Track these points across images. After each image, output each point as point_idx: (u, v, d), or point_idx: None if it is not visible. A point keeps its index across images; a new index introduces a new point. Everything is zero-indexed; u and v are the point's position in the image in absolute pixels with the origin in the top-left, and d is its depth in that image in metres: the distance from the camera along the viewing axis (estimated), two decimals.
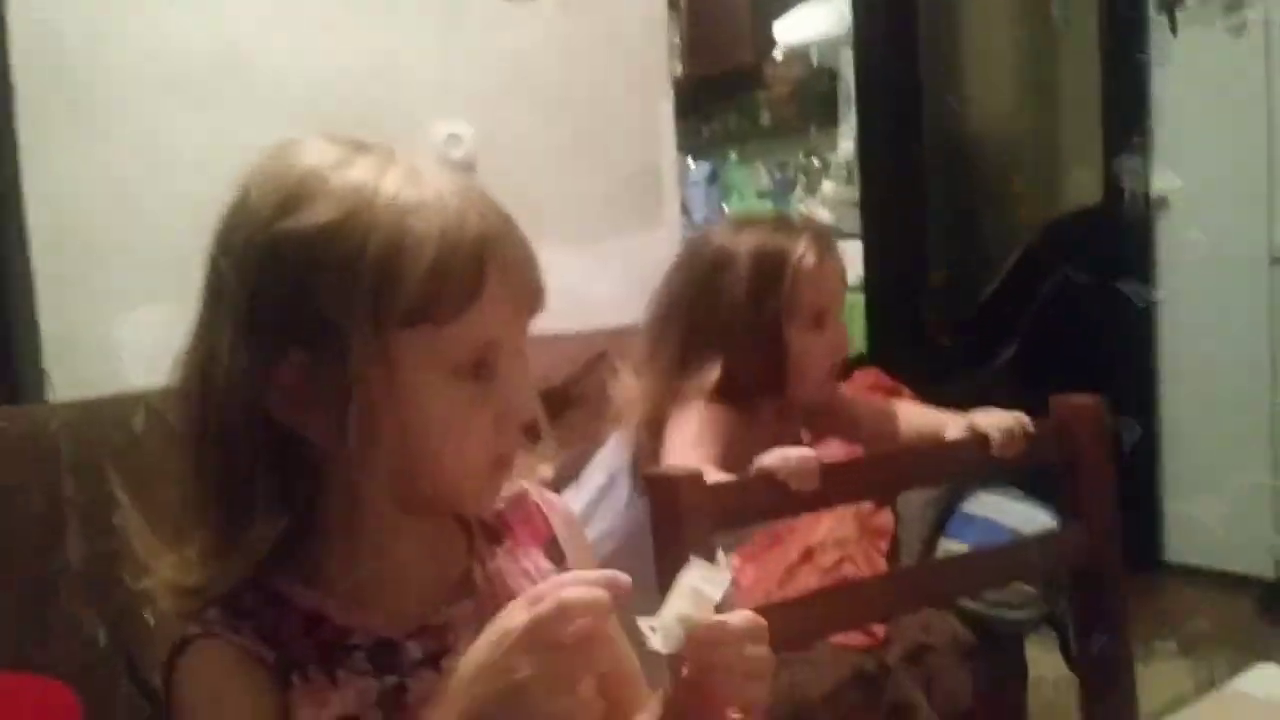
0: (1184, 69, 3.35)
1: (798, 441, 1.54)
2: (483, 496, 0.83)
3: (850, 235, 3.44)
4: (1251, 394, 3.28)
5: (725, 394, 1.47)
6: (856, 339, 3.26)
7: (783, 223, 1.59)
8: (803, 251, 1.49)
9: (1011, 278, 3.38)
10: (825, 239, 1.55)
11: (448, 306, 0.74)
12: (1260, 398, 3.26)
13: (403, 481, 0.77)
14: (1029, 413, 1.41)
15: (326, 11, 2.21)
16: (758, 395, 1.51)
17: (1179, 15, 3.35)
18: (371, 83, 2.23)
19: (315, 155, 0.77)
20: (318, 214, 0.73)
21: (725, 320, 1.48)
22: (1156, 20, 3.39)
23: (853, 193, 3.76)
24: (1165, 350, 3.47)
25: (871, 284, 3.39)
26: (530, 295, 0.80)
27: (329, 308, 0.73)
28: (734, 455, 1.39)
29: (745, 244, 1.50)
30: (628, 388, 1.55)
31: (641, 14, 2.63)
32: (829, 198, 4.17)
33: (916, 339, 3.35)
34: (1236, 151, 3.26)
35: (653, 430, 1.49)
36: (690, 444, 1.41)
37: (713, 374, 1.46)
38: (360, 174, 0.75)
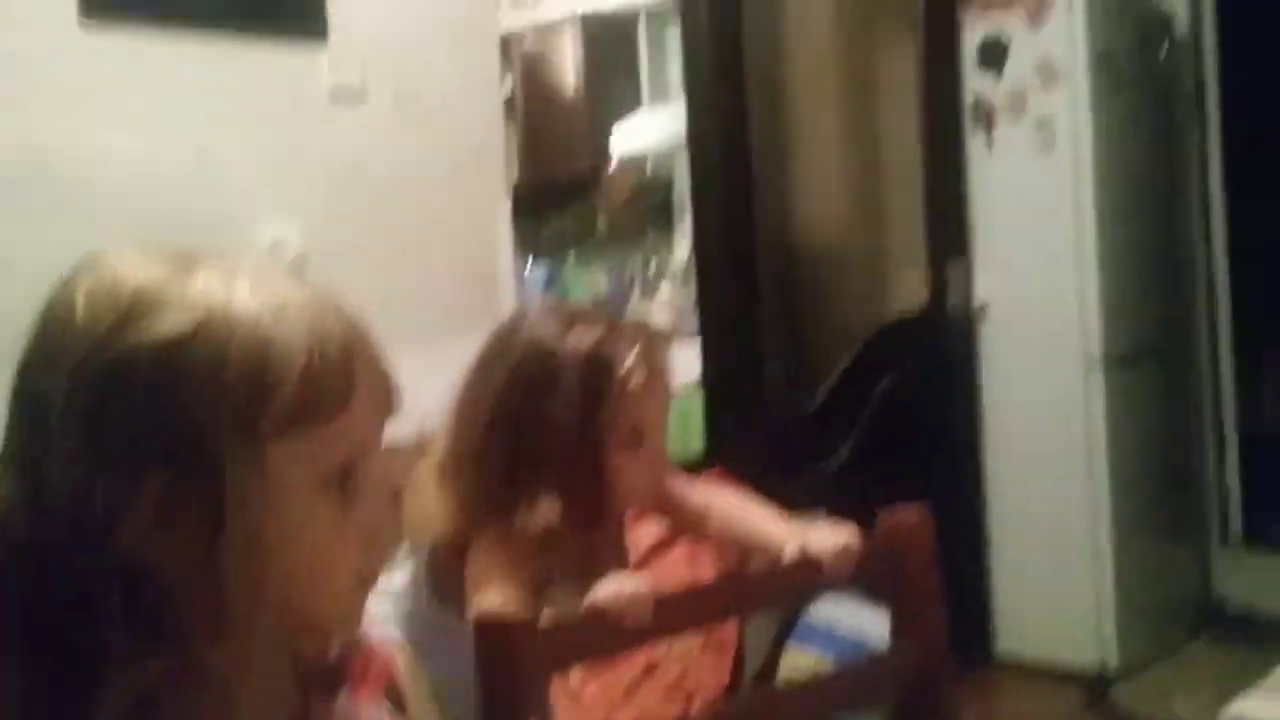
0: (1000, 180, 3.52)
1: (623, 559, 1.46)
2: (350, 619, 0.78)
3: (688, 336, 3.47)
4: (1072, 491, 3.40)
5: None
6: (695, 437, 3.27)
7: (613, 326, 1.41)
8: (633, 363, 1.35)
9: (845, 379, 3.44)
10: (656, 347, 1.42)
11: (322, 411, 0.70)
12: (1081, 495, 3.39)
13: (274, 606, 0.71)
14: (865, 514, 1.40)
15: (142, 108, 2.13)
16: (580, 519, 1.37)
17: (994, 130, 3.53)
18: (191, 184, 2.14)
19: (146, 266, 0.71)
20: (168, 325, 0.67)
21: (553, 441, 1.33)
22: (974, 133, 3.56)
23: (690, 295, 3.80)
24: (991, 448, 3.57)
25: (709, 383, 3.41)
26: (390, 396, 0.77)
27: (193, 423, 0.67)
28: (549, 579, 1.31)
29: (573, 348, 1.34)
30: (428, 500, 1.37)
31: (478, 118, 2.62)
32: (667, 300, 4.21)
33: (754, 438, 3.37)
34: (1050, 260, 3.43)
35: (454, 551, 1.36)
36: (503, 576, 1.30)
37: (549, 511, 1.33)
38: (205, 281, 0.70)
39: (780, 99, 3.36)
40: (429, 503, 1.36)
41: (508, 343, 1.39)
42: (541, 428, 1.33)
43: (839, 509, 1.59)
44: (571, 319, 1.39)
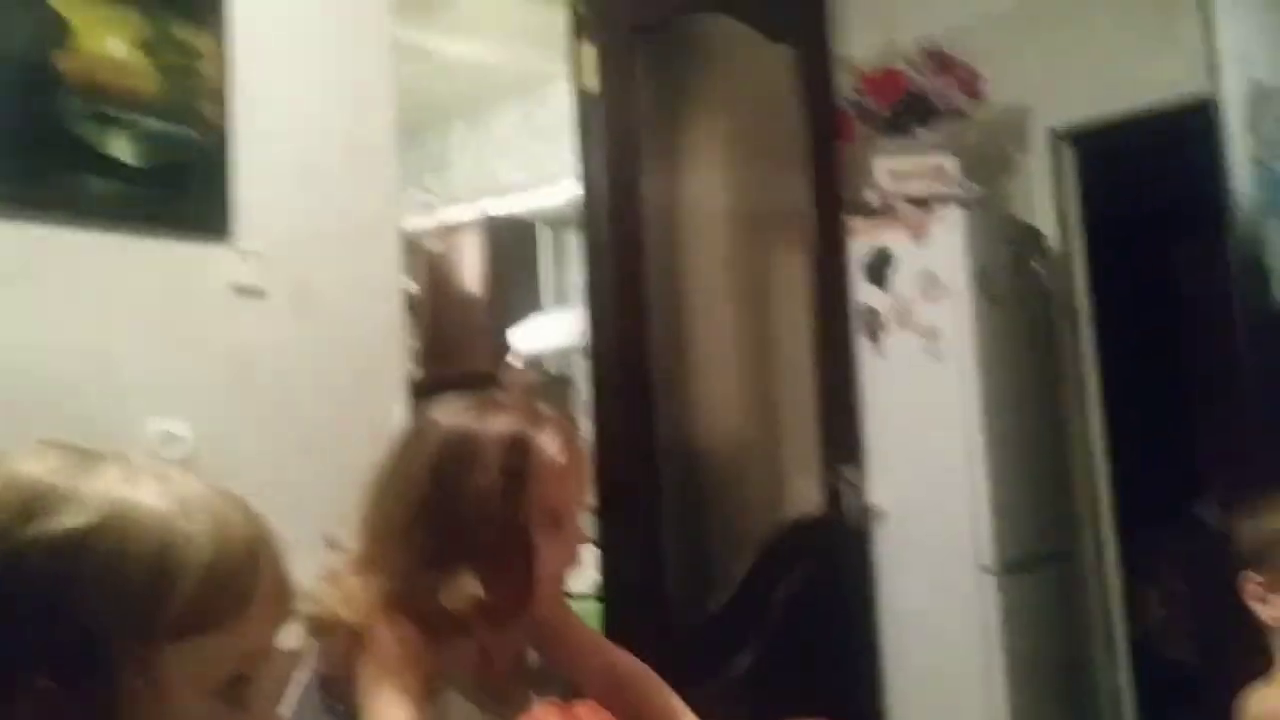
0: (891, 388, 3.62)
1: (520, 658, 1.43)
2: None
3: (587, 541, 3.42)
4: (969, 698, 3.37)
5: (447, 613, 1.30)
6: None
7: (531, 409, 1.41)
8: (553, 444, 1.35)
9: (745, 586, 3.40)
10: (574, 432, 1.42)
11: (221, 615, 0.68)
12: (976, 701, 3.36)
13: None
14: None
15: (25, 300, 2.07)
16: (506, 598, 1.33)
17: (883, 339, 3.65)
18: (78, 376, 2.08)
19: (46, 462, 0.69)
20: (69, 519, 0.65)
21: (476, 521, 1.31)
22: (864, 342, 3.67)
23: (589, 498, 3.77)
24: (889, 655, 3.55)
25: (610, 590, 3.34)
26: (288, 600, 0.75)
27: (86, 624, 0.63)
28: (443, 682, 1.27)
29: (494, 430, 1.34)
30: (350, 590, 1.32)
31: (377, 317, 2.62)
32: None
33: (655, 647, 3.29)
34: (941, 466, 3.50)
35: (350, 643, 1.30)
36: (400, 673, 1.24)
37: (473, 588, 1.28)
38: (108, 478, 0.68)
39: (679, 305, 3.43)
40: (351, 592, 1.31)
41: (423, 433, 1.40)
42: (464, 508, 1.32)
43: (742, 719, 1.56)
44: (488, 405, 1.40)
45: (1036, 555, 3.63)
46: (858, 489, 3.58)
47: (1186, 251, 4.80)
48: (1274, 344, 3.89)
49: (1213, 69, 2.91)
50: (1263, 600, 1.55)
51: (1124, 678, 4.01)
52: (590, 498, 1.45)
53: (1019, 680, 3.42)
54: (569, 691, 1.54)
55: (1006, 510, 3.48)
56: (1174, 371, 4.68)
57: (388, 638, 1.27)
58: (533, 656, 1.52)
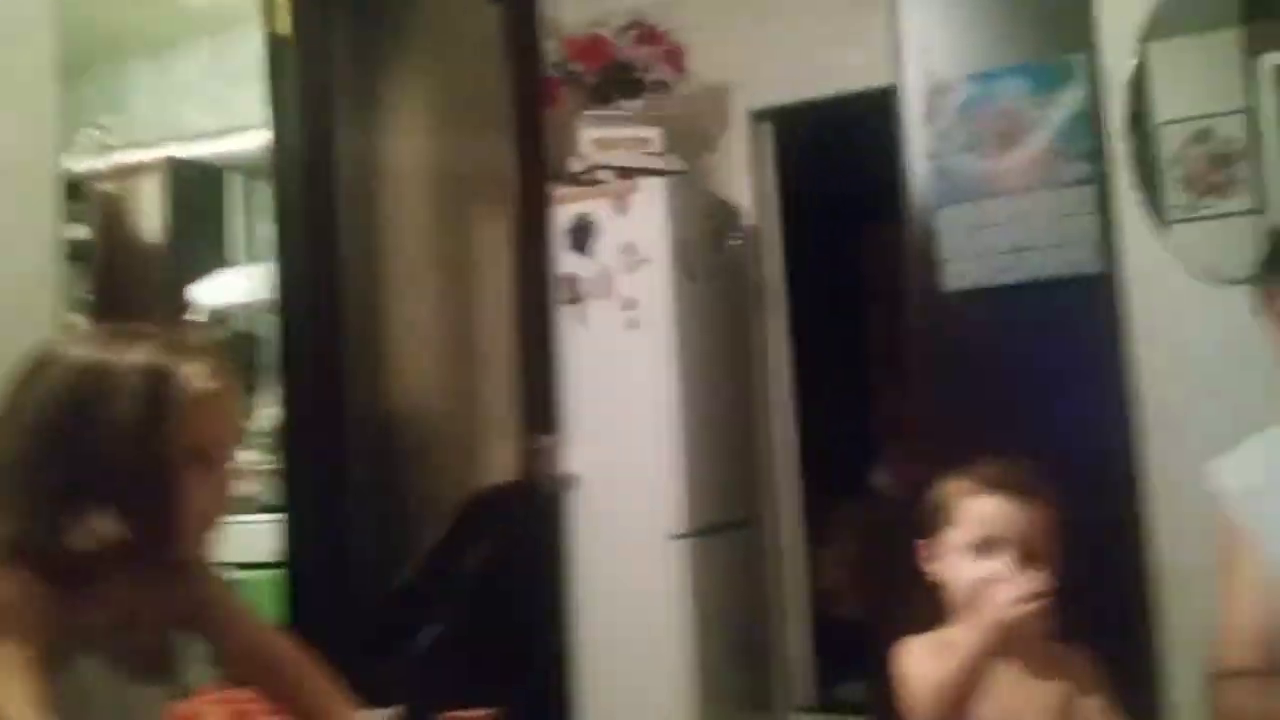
0: (590, 356, 3.63)
1: (171, 619, 1.31)
2: None
3: (274, 508, 3.25)
4: (656, 664, 3.45)
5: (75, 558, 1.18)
6: (274, 618, 3.03)
7: (173, 339, 1.31)
8: (199, 375, 1.25)
9: (436, 554, 3.33)
10: (220, 360, 1.31)
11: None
12: (662, 668, 3.44)
13: None
14: (453, 698, 1.32)
15: None
16: (148, 540, 1.22)
17: (584, 307, 3.65)
18: None
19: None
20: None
21: (110, 456, 1.20)
22: (565, 310, 3.67)
23: (275, 463, 3.59)
24: (580, 619, 3.57)
25: (293, 559, 3.19)
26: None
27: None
28: (80, 640, 1.17)
29: (130, 360, 1.23)
30: None
31: (27, 264, 2.37)
32: (250, 467, 3.95)
33: (342, 615, 3.18)
34: (636, 435, 3.55)
35: None
36: (22, 626, 1.13)
37: (107, 528, 1.18)
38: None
39: (375, 266, 3.31)
40: None
41: (48, 364, 1.26)
42: (96, 443, 1.20)
43: (427, 693, 1.51)
44: (123, 334, 1.29)
45: (725, 522, 3.75)
46: (554, 457, 3.58)
47: (872, 235, 5.08)
48: (942, 327, 4.18)
49: (895, 60, 3.05)
50: (930, 561, 1.63)
51: (804, 637, 4.23)
52: (246, 436, 1.32)
53: (705, 643, 3.53)
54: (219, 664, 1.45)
55: (697, 478, 3.57)
56: (859, 348, 4.94)
57: (4, 590, 1.15)
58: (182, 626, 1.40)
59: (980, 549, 1.55)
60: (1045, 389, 3.91)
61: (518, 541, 3.36)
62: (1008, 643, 1.50)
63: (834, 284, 4.92)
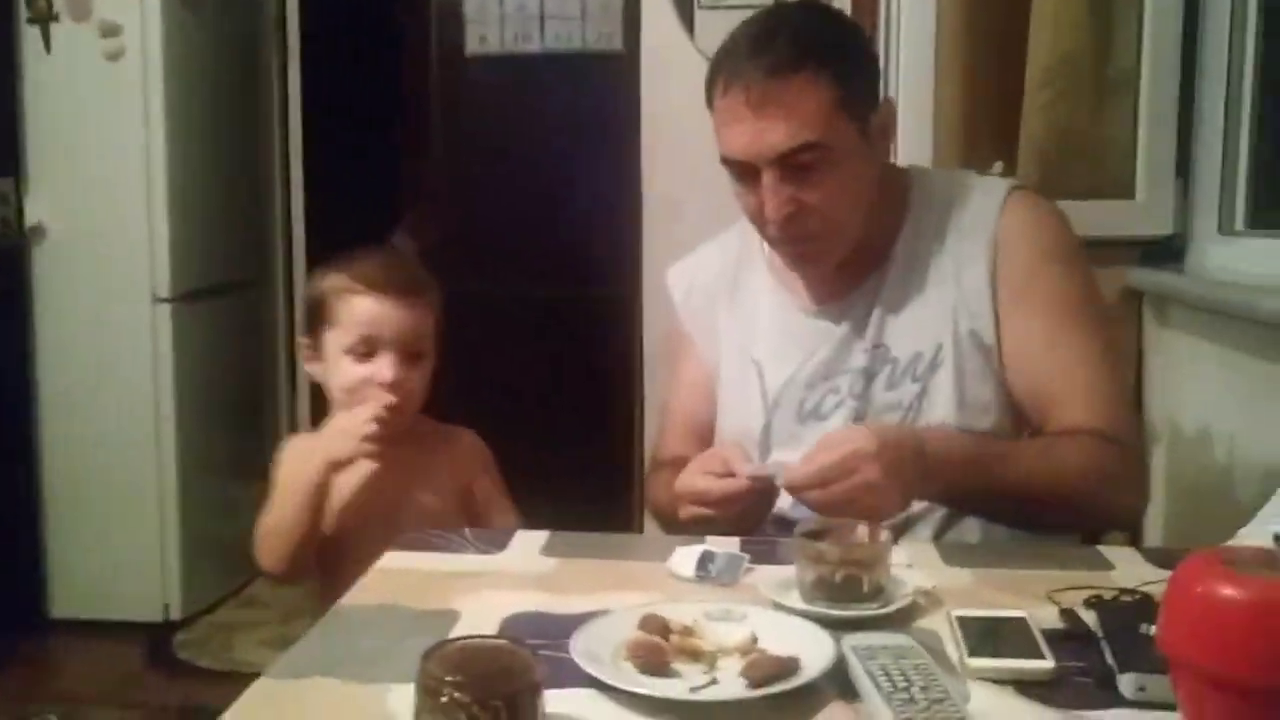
0: (61, 91, 3.13)
1: None
2: None
3: None
4: (136, 435, 3.18)
5: None
6: None
7: None
8: None
9: None
10: None
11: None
12: (145, 439, 3.18)
13: None
14: None
15: None
16: None
17: (54, 31, 3.12)
18: None
19: None
20: None
21: None
22: (30, 34, 3.12)
23: None
24: (45, 391, 3.20)
25: None
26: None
27: None
28: None
29: None
30: None
31: None
32: None
33: None
34: (116, 184, 3.14)
35: None
36: None
37: None
38: None
39: None
40: None
41: None
42: None
43: None
44: None
45: (219, 284, 3.47)
46: (14, 204, 3.10)
47: None
48: (460, 89, 4.04)
49: None
50: (311, 361, 1.53)
51: (303, 405, 4.08)
52: None
53: (195, 411, 3.29)
54: None
55: (187, 237, 3.25)
56: (377, 106, 4.68)
57: None
58: None
59: (359, 351, 1.48)
60: (559, 162, 3.93)
61: None
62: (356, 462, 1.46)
63: (357, 35, 4.58)
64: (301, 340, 1.57)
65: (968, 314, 1.36)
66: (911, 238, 1.41)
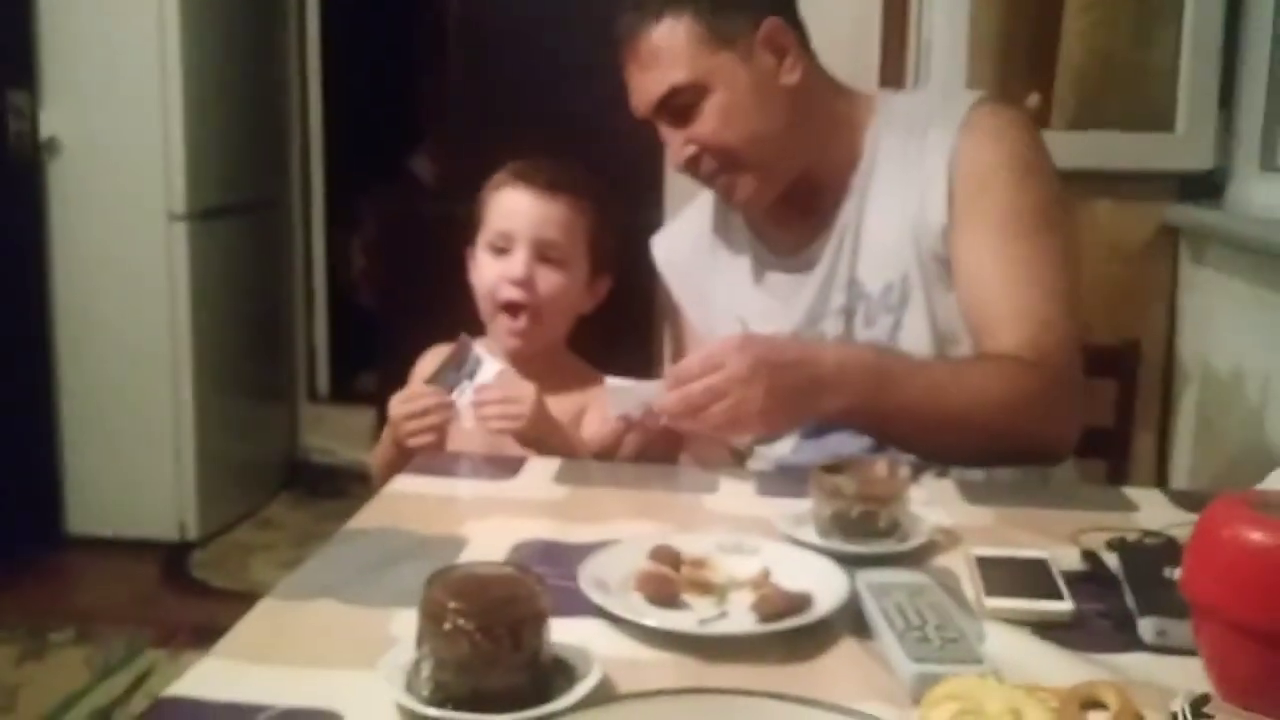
0: (76, 2, 3.08)
1: None
2: None
3: None
4: (152, 353, 3.17)
5: None
6: None
7: None
8: None
9: None
10: None
11: None
12: (162, 356, 3.17)
13: None
14: None
15: None
16: None
17: None
18: None
19: None
20: None
21: None
22: None
23: None
24: (60, 305, 3.19)
25: None
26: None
27: None
28: None
29: None
30: None
31: None
32: None
33: None
34: (132, 99, 3.09)
35: None
36: None
37: None
38: None
39: None
40: None
41: None
42: None
43: None
44: None
45: (237, 203, 3.44)
46: (28, 118, 3.07)
47: None
48: (483, 6, 3.96)
49: None
50: (471, 268, 1.46)
51: (321, 327, 4.08)
52: None
53: (212, 331, 3.28)
54: None
55: (203, 153, 3.20)
56: (398, 25, 4.60)
57: None
58: None
59: (497, 247, 1.41)
60: (584, 82, 3.85)
61: None
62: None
63: None
64: (468, 250, 1.49)
65: (929, 236, 1.30)
66: (873, 164, 1.35)
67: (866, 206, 1.35)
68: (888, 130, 1.36)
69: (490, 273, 1.42)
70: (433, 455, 1.29)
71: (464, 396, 1.29)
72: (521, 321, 1.41)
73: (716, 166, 1.32)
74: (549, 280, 1.41)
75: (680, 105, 1.29)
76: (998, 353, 1.25)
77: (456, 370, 1.32)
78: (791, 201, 1.39)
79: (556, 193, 1.42)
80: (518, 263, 1.40)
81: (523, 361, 1.40)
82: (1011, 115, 1.36)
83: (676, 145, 1.32)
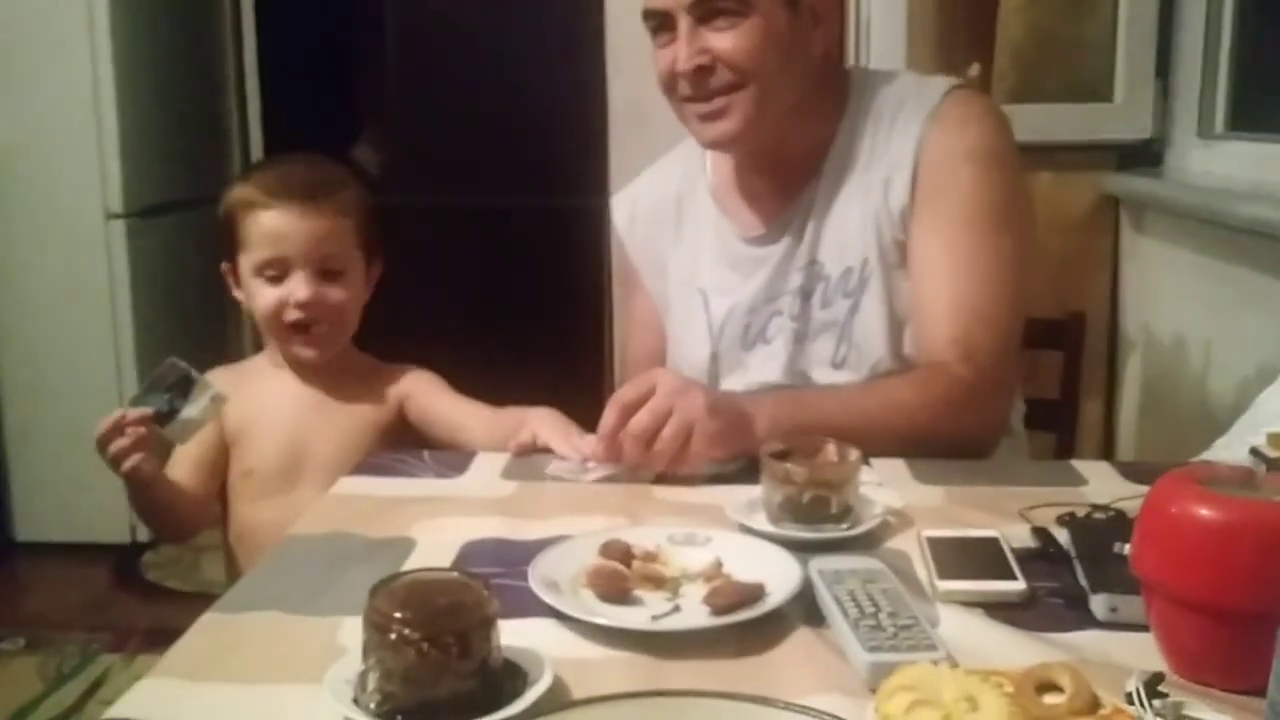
0: (4, 2, 3.00)
1: None
2: None
3: None
4: (97, 354, 3.11)
5: None
6: None
7: None
8: None
9: None
10: None
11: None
12: (106, 358, 3.11)
13: None
14: None
15: None
16: None
17: None
18: None
19: None
20: None
21: None
22: None
23: None
24: (3, 312, 3.12)
25: None
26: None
27: None
28: None
29: None
30: None
31: None
32: None
33: None
34: (65, 98, 3.03)
35: None
36: None
37: None
38: None
39: None
40: None
41: None
42: None
43: None
44: None
45: (177, 200, 3.37)
46: None
47: None
48: (412, 6, 3.91)
49: None
50: (236, 287, 1.41)
51: None
52: None
53: (152, 330, 3.22)
54: None
55: (140, 151, 3.14)
56: (336, 23, 4.53)
57: None
58: None
59: (269, 273, 1.35)
60: (522, 68, 3.82)
61: None
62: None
63: None
64: (224, 267, 1.43)
65: (890, 224, 1.30)
66: (844, 148, 1.34)
67: (834, 190, 1.34)
68: (863, 110, 1.34)
69: (270, 298, 1.36)
70: (379, 455, 1.27)
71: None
72: (316, 334, 1.39)
73: (724, 84, 1.27)
74: (335, 293, 1.38)
75: (714, 8, 1.24)
76: (923, 363, 1.27)
77: (162, 392, 1.27)
78: (760, 174, 1.38)
79: (319, 201, 1.36)
80: (300, 286, 1.36)
81: (319, 369, 1.40)
82: (983, 106, 1.35)
83: (691, 49, 1.26)
